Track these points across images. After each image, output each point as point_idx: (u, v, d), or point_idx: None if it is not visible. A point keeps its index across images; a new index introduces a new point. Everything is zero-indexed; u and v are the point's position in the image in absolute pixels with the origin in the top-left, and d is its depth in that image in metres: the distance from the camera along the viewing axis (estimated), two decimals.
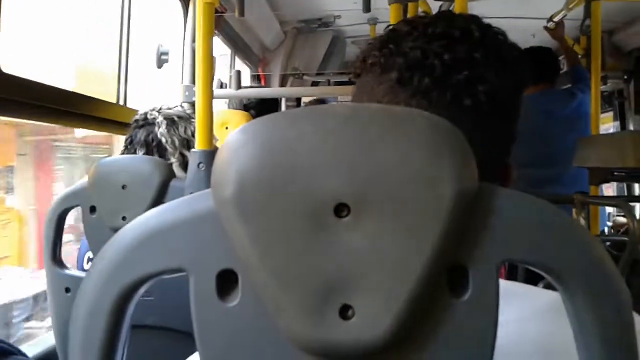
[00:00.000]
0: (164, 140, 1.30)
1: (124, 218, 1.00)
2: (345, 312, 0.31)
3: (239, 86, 1.90)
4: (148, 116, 1.34)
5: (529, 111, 2.57)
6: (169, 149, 1.30)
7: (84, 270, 1.28)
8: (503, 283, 0.53)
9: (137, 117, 1.37)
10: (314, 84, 3.25)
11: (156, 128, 1.32)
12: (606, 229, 2.79)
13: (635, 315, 0.46)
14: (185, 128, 1.34)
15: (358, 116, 0.32)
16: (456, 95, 0.51)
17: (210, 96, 1.12)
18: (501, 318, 0.32)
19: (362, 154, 0.31)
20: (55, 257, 1.06)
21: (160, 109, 1.36)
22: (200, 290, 0.33)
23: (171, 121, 1.33)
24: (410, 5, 1.62)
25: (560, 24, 2.55)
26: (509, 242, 0.31)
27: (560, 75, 2.73)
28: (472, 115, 0.52)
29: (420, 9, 1.74)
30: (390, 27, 0.58)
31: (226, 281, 0.33)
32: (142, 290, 0.35)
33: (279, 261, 0.31)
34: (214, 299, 0.33)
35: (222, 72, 2.79)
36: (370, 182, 0.31)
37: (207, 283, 0.33)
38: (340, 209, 0.31)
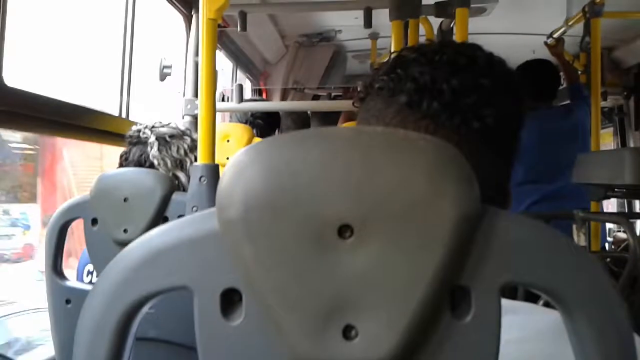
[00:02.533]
0: (156, 162, 1.29)
1: (125, 231, 1.00)
2: (348, 332, 0.31)
3: (240, 99, 1.91)
4: (141, 135, 1.33)
5: (530, 127, 2.56)
6: (161, 170, 1.29)
7: (83, 282, 1.28)
8: (504, 302, 0.54)
9: (130, 133, 1.36)
10: (315, 97, 3.26)
11: (148, 148, 1.31)
12: (607, 245, 2.79)
13: (635, 336, 0.46)
14: (178, 147, 1.33)
15: (362, 139, 0.32)
16: (464, 119, 0.53)
17: (213, 110, 1.13)
18: (505, 336, 0.32)
19: (366, 177, 0.31)
20: (57, 269, 1.06)
21: (153, 126, 1.35)
22: (205, 308, 0.33)
23: (163, 141, 1.32)
24: (411, 21, 1.63)
25: (560, 40, 2.57)
26: (511, 265, 0.31)
27: (559, 91, 2.75)
28: (480, 138, 0.53)
29: (420, 25, 1.75)
30: (396, 54, 0.59)
31: (230, 300, 0.33)
32: (146, 307, 0.35)
33: (283, 281, 0.32)
34: (218, 317, 0.33)
35: (224, 85, 2.81)
36: (373, 204, 0.31)
37: (212, 302, 0.33)
38: (344, 231, 0.31)
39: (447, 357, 0.32)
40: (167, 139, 1.33)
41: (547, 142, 2.32)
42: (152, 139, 1.31)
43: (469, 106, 0.53)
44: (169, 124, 1.38)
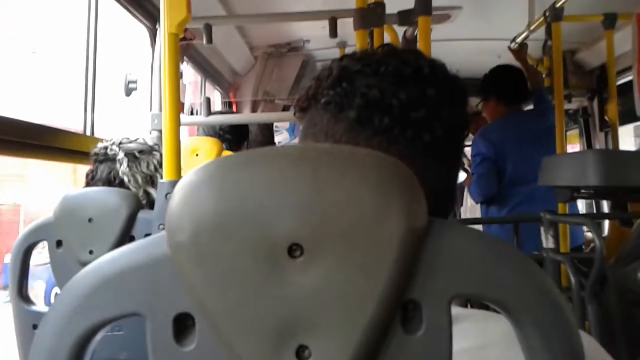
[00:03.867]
0: (126, 179, 1.27)
1: (91, 252, 0.98)
2: (301, 352, 0.31)
3: (209, 113, 1.89)
4: (108, 151, 1.30)
5: (506, 129, 2.61)
6: (132, 187, 1.26)
7: (50, 304, 1.25)
8: (460, 310, 0.54)
9: (96, 150, 1.32)
10: (286, 108, 3.27)
11: (117, 165, 1.28)
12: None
13: (585, 336, 0.47)
14: (148, 163, 1.31)
15: (308, 157, 0.32)
16: (416, 132, 0.53)
17: (177, 125, 1.12)
18: (464, 344, 0.32)
19: (313, 195, 0.31)
20: (22, 293, 1.04)
21: (121, 142, 1.32)
22: (157, 334, 0.33)
23: (133, 157, 1.30)
24: (375, 30, 1.65)
25: (523, 45, 2.62)
26: (459, 277, 0.32)
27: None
28: (431, 150, 0.54)
29: (385, 34, 1.77)
30: (338, 64, 0.59)
31: (183, 325, 0.33)
32: (100, 334, 0.35)
33: (234, 304, 0.31)
34: (170, 343, 0.33)
35: (194, 99, 2.79)
36: (322, 222, 0.31)
37: (164, 327, 0.33)
38: (294, 250, 0.31)
39: None
40: (137, 154, 1.31)
41: (526, 143, 2.37)
42: (121, 155, 1.29)
43: (419, 119, 0.53)
44: (136, 139, 1.35)
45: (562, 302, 0.32)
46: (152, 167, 1.30)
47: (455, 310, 0.52)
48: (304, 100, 0.59)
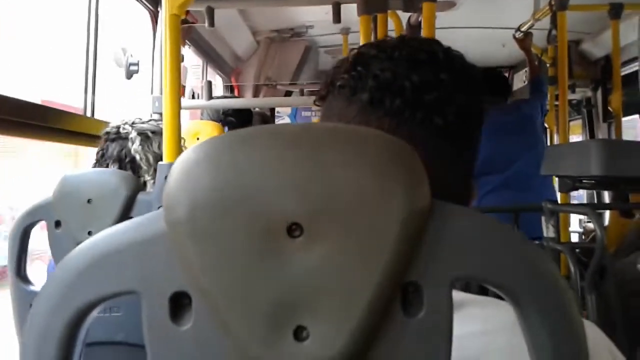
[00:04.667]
0: (138, 157, 1.27)
1: (90, 233, 0.98)
2: (299, 333, 0.31)
3: (210, 97, 1.88)
4: (121, 130, 1.31)
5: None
6: (144, 166, 1.27)
7: None
8: (467, 295, 0.54)
9: (108, 129, 1.33)
10: (288, 93, 3.25)
11: (129, 144, 1.28)
12: (577, 235, 2.86)
13: (588, 323, 0.47)
14: (159, 143, 1.30)
15: (310, 136, 0.32)
16: (427, 115, 0.53)
17: (178, 107, 1.11)
18: (465, 329, 0.32)
19: (314, 174, 0.31)
20: (20, 273, 1.03)
21: (134, 122, 1.32)
22: (153, 313, 0.32)
23: (145, 137, 1.30)
24: (379, 16, 1.63)
25: (528, 34, 2.61)
26: (461, 260, 0.31)
27: (522, 89, 2.85)
28: (443, 134, 0.54)
29: (389, 20, 1.75)
30: (356, 50, 0.59)
31: (179, 304, 0.32)
32: (96, 312, 0.34)
33: (232, 283, 0.31)
34: (167, 322, 0.32)
35: (195, 82, 2.78)
36: (322, 202, 0.31)
37: (160, 306, 0.32)
38: (293, 229, 0.31)
39: (400, 354, 0.31)
40: (149, 134, 1.31)
41: (495, 136, 2.40)
42: (134, 134, 1.29)
43: (431, 102, 0.53)
44: (149, 120, 1.36)
45: (564, 287, 0.32)
46: (163, 148, 1.30)
47: (461, 295, 0.51)
48: (323, 88, 0.60)
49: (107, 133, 1.33)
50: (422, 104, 0.53)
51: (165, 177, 1.07)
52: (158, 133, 1.32)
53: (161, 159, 1.30)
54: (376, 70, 0.54)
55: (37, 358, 0.33)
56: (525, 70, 3.25)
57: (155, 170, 1.28)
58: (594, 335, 0.51)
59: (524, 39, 2.64)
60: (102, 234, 0.34)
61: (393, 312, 0.31)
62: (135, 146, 1.28)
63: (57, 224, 1.00)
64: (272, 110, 3.39)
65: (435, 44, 0.57)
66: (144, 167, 1.27)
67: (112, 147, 1.30)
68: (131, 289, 0.33)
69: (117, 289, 0.33)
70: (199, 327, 0.32)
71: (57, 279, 0.34)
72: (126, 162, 1.28)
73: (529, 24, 2.46)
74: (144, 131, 1.31)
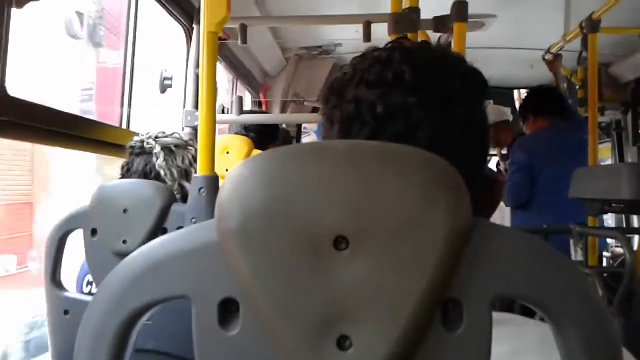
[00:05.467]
0: (162, 172, 1.29)
1: (124, 242, 1.00)
2: (342, 342, 0.32)
3: (240, 111, 1.92)
4: (145, 145, 1.33)
5: (546, 142, 2.58)
6: (168, 181, 1.29)
7: (82, 292, 1.28)
8: (495, 314, 0.54)
9: (132, 143, 1.35)
10: (315, 109, 3.28)
11: (154, 159, 1.30)
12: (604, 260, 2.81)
13: (624, 352, 0.47)
14: (183, 157, 1.33)
15: (356, 152, 0.33)
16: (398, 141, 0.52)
17: (213, 122, 1.14)
18: (493, 349, 0.32)
19: (361, 189, 0.32)
20: (55, 279, 1.06)
21: (157, 137, 1.34)
22: (202, 318, 0.34)
23: (169, 151, 1.32)
24: (409, 35, 1.65)
25: (557, 56, 2.60)
26: (502, 278, 0.32)
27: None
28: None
29: (419, 39, 1.77)
30: (341, 70, 0.58)
31: (228, 310, 0.34)
32: (146, 316, 0.36)
33: (279, 292, 0.32)
34: (215, 327, 0.34)
35: (224, 97, 2.82)
36: (368, 217, 0.32)
37: (209, 311, 0.34)
38: (339, 242, 0.32)
39: None
40: (173, 148, 1.33)
41: (562, 154, 2.37)
42: (158, 149, 1.31)
43: (397, 131, 0.52)
44: (172, 134, 1.38)
45: (605, 311, 0.33)
46: (187, 162, 1.32)
47: (494, 314, 0.52)
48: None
49: (132, 147, 1.35)
50: (388, 134, 0.52)
51: (199, 190, 1.10)
52: (181, 147, 1.34)
53: (185, 173, 1.32)
54: (344, 100, 0.54)
55: (91, 357, 0.35)
56: None
57: (179, 184, 1.30)
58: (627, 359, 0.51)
59: (554, 61, 2.64)
60: (157, 241, 0.35)
61: (433, 326, 0.32)
62: (159, 161, 1.30)
63: (93, 232, 1.03)
64: (299, 126, 3.42)
65: (407, 61, 0.53)
66: (169, 182, 1.29)
67: (137, 161, 1.32)
68: (182, 294, 0.34)
69: (169, 293, 0.34)
70: (245, 333, 0.34)
71: (112, 282, 0.35)
72: (151, 177, 1.29)
73: (559, 45, 2.45)
74: (167, 145, 1.33)
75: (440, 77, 0.53)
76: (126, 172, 1.32)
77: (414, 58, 0.54)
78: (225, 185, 0.34)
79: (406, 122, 0.51)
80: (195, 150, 1.33)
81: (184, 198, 1.26)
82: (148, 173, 1.29)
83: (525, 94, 2.75)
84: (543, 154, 2.44)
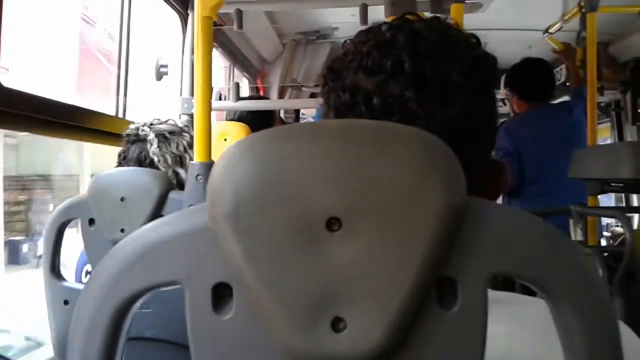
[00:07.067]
0: (156, 159, 1.29)
1: (122, 230, 1.00)
2: (337, 324, 0.32)
3: (237, 98, 1.91)
4: (140, 132, 1.33)
5: (530, 126, 2.57)
6: (162, 167, 1.29)
7: (81, 282, 1.28)
8: (492, 293, 0.54)
9: (128, 131, 1.35)
10: (313, 95, 3.27)
11: (148, 145, 1.31)
12: (603, 240, 2.81)
13: (622, 325, 0.46)
14: (178, 144, 1.33)
15: (349, 132, 0.33)
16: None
17: (208, 109, 1.13)
18: (490, 329, 0.32)
19: (353, 169, 0.32)
20: (54, 269, 1.06)
21: (152, 124, 1.34)
22: (196, 303, 0.34)
23: (163, 137, 1.32)
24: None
25: (568, 45, 2.59)
26: (497, 255, 0.32)
27: (559, 87, 2.78)
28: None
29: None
30: (343, 47, 0.56)
31: (221, 295, 0.34)
32: (139, 302, 0.36)
33: (272, 275, 0.32)
34: (208, 311, 0.33)
35: (220, 84, 2.81)
36: (361, 197, 0.32)
37: (202, 296, 0.33)
38: (332, 223, 0.32)
39: (434, 347, 0.32)
40: (167, 135, 1.33)
41: (550, 137, 2.35)
42: (152, 136, 1.31)
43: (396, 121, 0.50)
44: (167, 120, 1.38)
45: (602, 288, 0.32)
46: (181, 148, 1.32)
47: (492, 293, 0.51)
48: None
49: (128, 135, 1.35)
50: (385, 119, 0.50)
51: (196, 177, 1.10)
52: (176, 133, 1.34)
53: (180, 159, 1.32)
54: (340, 87, 0.53)
55: (84, 345, 0.35)
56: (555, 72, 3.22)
57: (174, 171, 1.31)
58: (627, 335, 0.51)
59: (565, 50, 2.63)
60: (149, 226, 0.35)
61: (429, 305, 0.32)
62: (153, 148, 1.30)
63: (91, 221, 1.02)
64: (297, 111, 3.41)
65: (410, 48, 0.52)
66: (162, 169, 1.29)
67: (132, 149, 1.33)
68: (175, 280, 0.34)
69: (162, 279, 0.34)
70: (239, 317, 0.33)
71: (105, 269, 0.35)
72: (146, 164, 1.30)
73: (558, 25, 2.44)
74: (161, 132, 1.33)
75: (442, 67, 0.52)
76: (122, 160, 1.32)
77: (418, 43, 0.52)
78: (216, 167, 0.34)
79: (402, 116, 0.51)
80: (191, 137, 1.33)
81: (179, 184, 1.27)
82: (143, 160, 1.30)
83: (510, 69, 2.59)
84: (529, 138, 2.40)
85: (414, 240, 0.31)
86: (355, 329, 0.32)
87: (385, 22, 0.56)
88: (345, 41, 0.57)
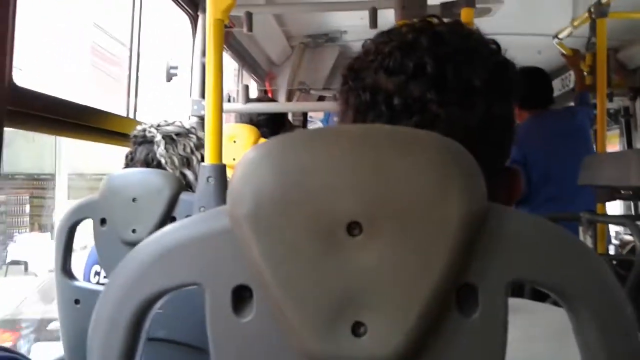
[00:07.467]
0: (163, 160, 1.30)
1: (134, 231, 1.01)
2: (357, 329, 0.32)
3: (247, 100, 1.91)
4: (147, 134, 1.33)
5: (532, 134, 2.57)
6: (169, 169, 1.29)
7: (90, 282, 1.29)
8: (519, 300, 0.54)
9: (135, 133, 1.36)
10: (321, 98, 3.27)
11: (155, 147, 1.31)
12: (612, 248, 2.80)
13: None
14: (185, 145, 1.33)
15: (370, 137, 0.33)
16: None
17: (220, 110, 1.13)
18: (513, 335, 0.32)
19: (374, 174, 0.32)
20: (65, 269, 1.07)
21: (159, 125, 1.35)
22: (216, 305, 0.34)
23: (170, 139, 1.33)
24: None
25: (576, 52, 2.59)
26: (518, 262, 0.32)
27: (568, 93, 2.78)
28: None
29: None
30: (363, 47, 0.57)
31: (241, 297, 0.34)
32: (159, 303, 0.36)
33: (292, 278, 0.32)
34: (229, 313, 0.34)
35: (229, 86, 2.82)
36: (382, 202, 0.32)
37: (223, 298, 0.34)
38: (353, 228, 0.32)
39: (454, 354, 0.32)
40: (174, 137, 1.34)
41: (554, 143, 2.35)
42: (159, 137, 1.32)
43: (414, 126, 0.50)
44: (174, 122, 1.38)
45: (622, 295, 0.32)
46: (188, 150, 1.33)
47: (511, 300, 0.51)
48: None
49: (135, 136, 1.35)
50: (403, 125, 0.50)
51: (207, 179, 1.10)
52: (182, 135, 1.35)
53: (187, 161, 1.32)
54: (360, 89, 0.53)
55: (105, 345, 0.35)
56: (562, 79, 3.21)
57: (181, 172, 1.31)
58: None
59: (573, 56, 2.63)
60: (169, 227, 0.35)
61: (449, 311, 0.32)
62: (160, 150, 1.30)
63: (103, 221, 1.03)
64: (305, 114, 3.41)
65: (433, 51, 0.52)
66: (170, 170, 1.30)
67: (140, 150, 1.33)
68: (195, 281, 0.34)
69: (182, 281, 0.34)
70: (259, 320, 0.33)
71: (124, 271, 0.35)
72: (153, 166, 1.30)
73: (567, 31, 2.43)
74: (168, 134, 1.33)
75: (464, 71, 0.52)
76: (130, 161, 1.33)
77: (441, 46, 0.52)
78: (237, 170, 0.34)
79: (422, 117, 0.51)
80: (197, 138, 1.34)
81: (187, 186, 1.27)
82: (150, 162, 1.30)
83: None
84: (534, 146, 2.39)
85: (434, 247, 0.31)
86: (375, 333, 0.32)
87: (406, 24, 0.56)
88: (365, 41, 0.57)
